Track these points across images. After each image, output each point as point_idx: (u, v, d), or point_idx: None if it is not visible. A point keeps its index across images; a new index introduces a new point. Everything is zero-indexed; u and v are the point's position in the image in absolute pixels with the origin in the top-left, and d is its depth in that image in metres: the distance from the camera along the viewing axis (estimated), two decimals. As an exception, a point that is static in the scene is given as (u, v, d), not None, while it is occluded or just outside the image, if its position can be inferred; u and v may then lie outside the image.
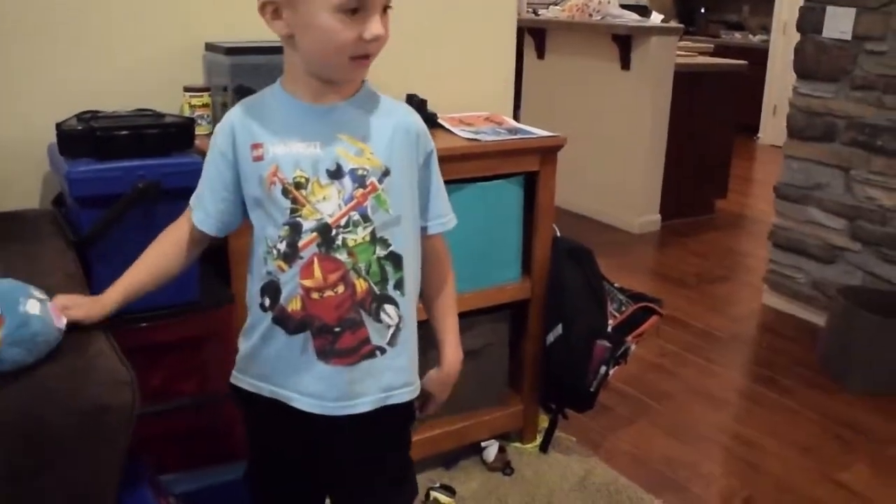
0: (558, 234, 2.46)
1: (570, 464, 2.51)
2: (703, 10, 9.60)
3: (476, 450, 2.51)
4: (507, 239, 2.31)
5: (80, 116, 1.76)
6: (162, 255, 1.39)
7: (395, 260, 1.31)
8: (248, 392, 1.40)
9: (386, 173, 1.28)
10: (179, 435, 1.81)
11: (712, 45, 7.14)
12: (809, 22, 3.64)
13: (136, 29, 2.04)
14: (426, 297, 1.46)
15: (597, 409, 2.51)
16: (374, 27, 1.20)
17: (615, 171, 5.01)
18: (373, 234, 1.27)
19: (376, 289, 1.29)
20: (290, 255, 1.27)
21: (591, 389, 2.34)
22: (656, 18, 6.22)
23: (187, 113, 1.98)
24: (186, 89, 2.01)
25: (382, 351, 1.32)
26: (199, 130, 1.99)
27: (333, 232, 1.25)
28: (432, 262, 1.43)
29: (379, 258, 1.29)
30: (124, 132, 1.65)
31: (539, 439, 2.58)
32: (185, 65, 2.11)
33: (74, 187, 1.62)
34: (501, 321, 2.41)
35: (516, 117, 5.60)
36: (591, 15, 4.95)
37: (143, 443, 1.69)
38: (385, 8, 1.23)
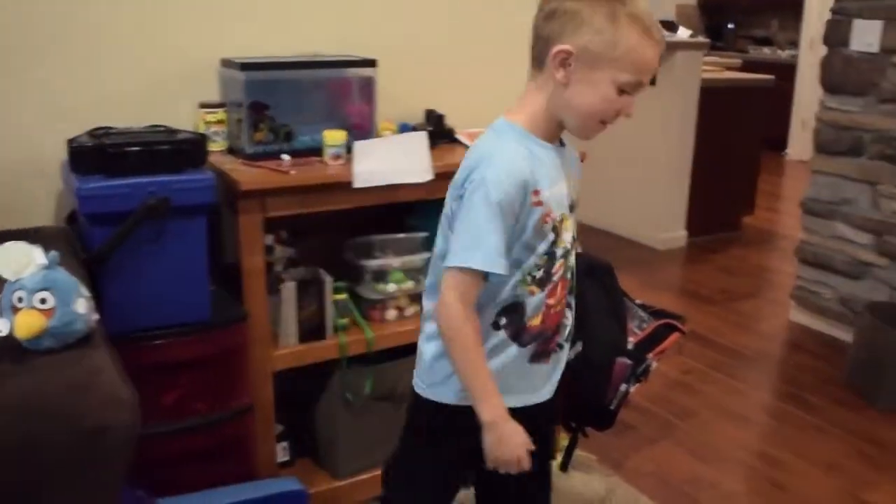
0: (579, 249, 2.44)
1: (591, 483, 2.49)
2: (731, 26, 9.55)
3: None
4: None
5: (91, 133, 1.77)
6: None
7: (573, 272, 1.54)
8: (454, 407, 1.48)
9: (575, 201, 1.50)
10: (195, 454, 1.81)
11: (740, 61, 7.09)
12: (836, 35, 3.60)
13: (151, 45, 2.05)
14: None
15: (619, 427, 2.48)
16: (631, 107, 1.40)
17: (641, 187, 4.98)
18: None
19: (570, 298, 1.55)
20: (544, 280, 1.44)
21: (612, 407, 2.31)
22: (684, 34, 6.18)
23: (202, 129, 1.99)
24: (202, 105, 2.02)
25: (561, 347, 1.55)
26: (214, 147, 2.01)
27: (571, 256, 1.49)
28: None
29: (574, 273, 1.54)
30: (135, 148, 1.66)
31: (559, 458, 2.55)
32: (202, 81, 2.11)
33: (84, 204, 1.63)
34: (521, 337, 2.39)
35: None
36: (615, 30, 4.94)
37: (157, 463, 1.71)
38: None
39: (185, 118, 2.02)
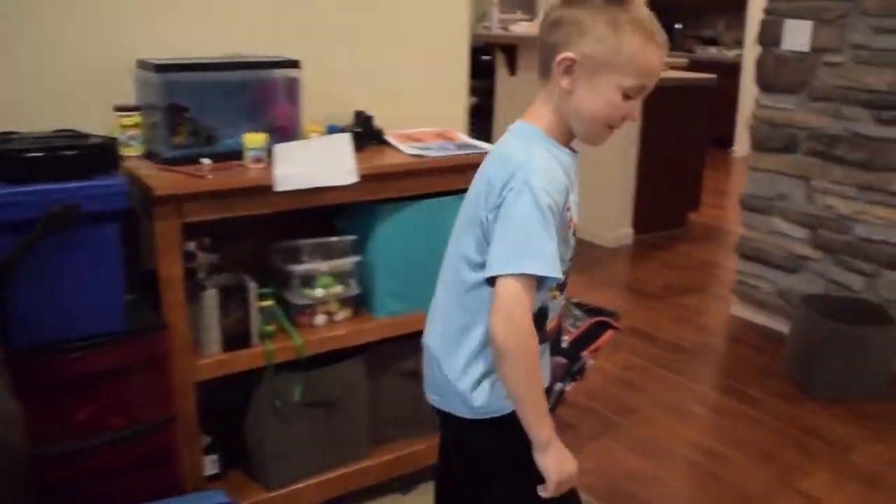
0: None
1: (530, 481, 2.48)
2: (678, 26, 9.65)
3: (435, 471, 2.48)
4: (458, 256, 2.29)
5: (-7, 138, 1.70)
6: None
7: None
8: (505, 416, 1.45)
9: None
10: (116, 469, 1.76)
11: (686, 60, 7.16)
12: (769, 35, 3.66)
13: (62, 45, 1.98)
14: None
15: (558, 425, 2.43)
16: (636, 112, 1.41)
17: (587, 185, 4.89)
18: None
19: None
20: (564, 284, 1.49)
21: (549, 407, 2.31)
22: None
23: (118, 134, 1.94)
24: (117, 109, 1.97)
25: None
26: (129, 151, 1.96)
27: None
28: None
29: None
30: (38, 154, 1.60)
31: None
32: (117, 83, 2.05)
33: (-17, 213, 1.56)
34: (455, 339, 2.38)
35: (489, 133, 5.61)
36: (558, 31, 4.95)
37: (77, 479, 1.67)
38: None
39: (99, 122, 1.96)
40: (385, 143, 2.28)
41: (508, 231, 1.33)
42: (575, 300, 2.47)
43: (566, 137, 1.44)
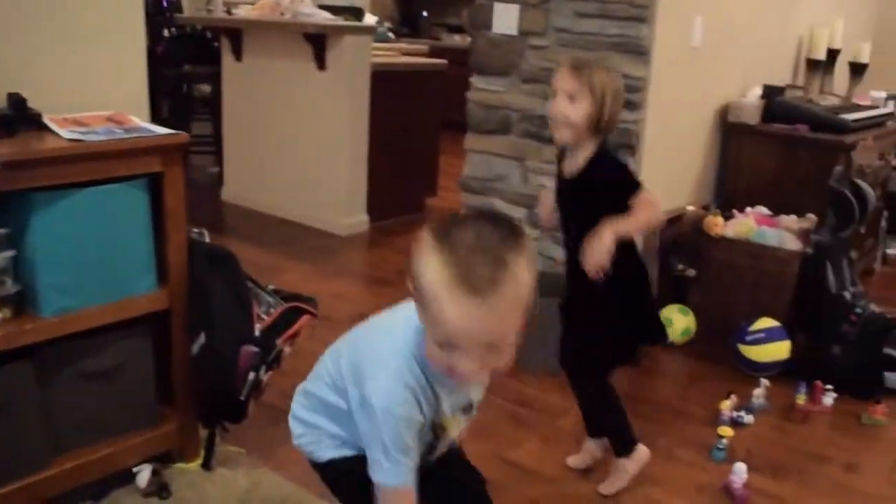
0: (207, 238, 2.33)
1: (236, 478, 2.39)
2: (425, 14, 9.84)
3: (132, 477, 2.32)
4: (136, 246, 2.13)
5: None
6: None
7: None
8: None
9: None
10: None
11: (426, 47, 7.29)
12: (481, 19, 3.74)
13: None
14: None
15: (273, 415, 2.42)
16: (463, 365, 1.22)
17: (318, 173, 4.93)
18: None
19: None
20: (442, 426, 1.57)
21: (242, 398, 2.23)
22: (371, 20, 6.24)
23: None
24: None
25: None
26: None
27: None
28: None
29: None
30: None
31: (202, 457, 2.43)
32: None
33: None
34: (140, 335, 2.23)
35: (218, 121, 5.40)
36: (282, 14, 4.85)
37: None
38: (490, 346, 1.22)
39: None
40: (44, 127, 2.07)
41: (374, 445, 1.39)
42: (272, 287, 2.40)
43: None
